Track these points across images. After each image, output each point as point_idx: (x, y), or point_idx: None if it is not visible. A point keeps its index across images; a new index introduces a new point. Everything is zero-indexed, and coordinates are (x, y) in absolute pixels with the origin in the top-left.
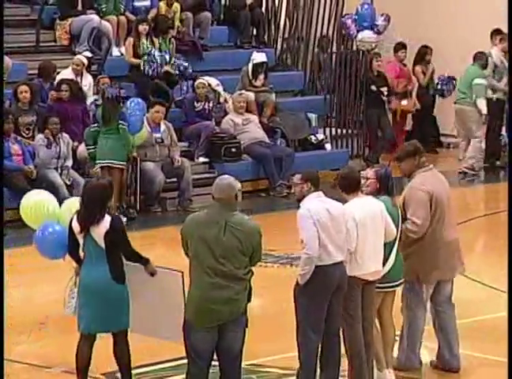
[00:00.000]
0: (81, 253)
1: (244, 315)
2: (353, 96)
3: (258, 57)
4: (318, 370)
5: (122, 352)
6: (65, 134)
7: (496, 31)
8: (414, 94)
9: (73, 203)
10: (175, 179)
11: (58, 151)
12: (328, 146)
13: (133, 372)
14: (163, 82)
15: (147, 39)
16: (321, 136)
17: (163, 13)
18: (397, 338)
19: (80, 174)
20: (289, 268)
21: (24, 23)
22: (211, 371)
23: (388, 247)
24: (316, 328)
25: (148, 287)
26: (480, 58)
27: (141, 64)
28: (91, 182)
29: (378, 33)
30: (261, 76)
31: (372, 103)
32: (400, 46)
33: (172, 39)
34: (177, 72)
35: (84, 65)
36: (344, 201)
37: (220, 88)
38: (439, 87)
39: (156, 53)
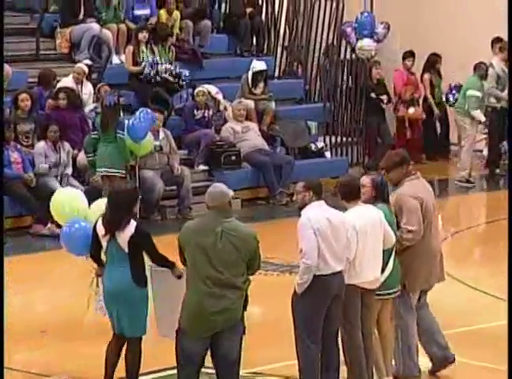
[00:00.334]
0: (103, 256)
1: (241, 322)
2: (353, 104)
3: (258, 65)
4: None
5: (133, 358)
6: (66, 143)
7: (496, 40)
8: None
9: (102, 204)
10: (174, 187)
11: (58, 159)
12: (327, 154)
13: None
14: (162, 90)
15: (147, 47)
16: (320, 144)
17: (163, 21)
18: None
19: (80, 181)
20: (289, 276)
21: (24, 31)
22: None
23: (386, 254)
24: (315, 338)
25: (176, 291)
26: (480, 69)
27: (142, 72)
28: (117, 187)
29: (378, 41)
30: (261, 84)
31: (372, 111)
32: (409, 55)
33: (172, 47)
34: (176, 80)
35: (85, 73)
36: (344, 209)
37: (219, 96)
38: (447, 96)
39: (156, 60)
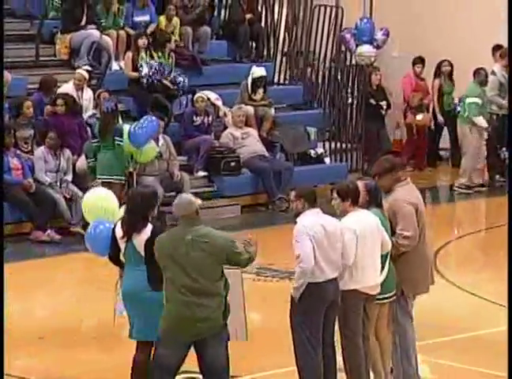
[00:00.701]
0: (122, 258)
1: (224, 329)
2: (352, 110)
3: (257, 71)
4: None
5: (141, 363)
6: (66, 149)
7: (496, 47)
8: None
9: None
10: (174, 193)
11: (58, 165)
12: (327, 160)
13: None
14: (162, 96)
15: (146, 54)
16: (320, 150)
17: (163, 27)
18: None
19: (79, 187)
20: (288, 282)
21: (24, 37)
22: None
23: (382, 259)
24: (315, 344)
25: None
26: (479, 75)
27: (140, 76)
28: (135, 190)
29: (377, 47)
30: (261, 91)
31: (371, 117)
32: (418, 61)
33: (172, 54)
34: (176, 86)
35: (85, 79)
36: (341, 216)
37: (219, 102)
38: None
39: (155, 65)
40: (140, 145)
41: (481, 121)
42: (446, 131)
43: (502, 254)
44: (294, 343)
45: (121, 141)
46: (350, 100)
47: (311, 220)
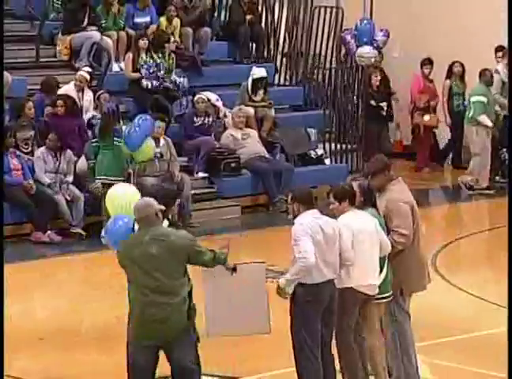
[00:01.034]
0: None
1: (191, 331)
2: (352, 111)
3: (258, 72)
4: None
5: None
6: (68, 151)
7: (499, 48)
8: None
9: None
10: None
11: (57, 166)
12: (327, 161)
13: None
14: (162, 97)
15: (146, 55)
16: (320, 151)
17: (163, 28)
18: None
19: (79, 188)
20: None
21: (24, 38)
22: None
23: (381, 260)
24: (315, 349)
25: (228, 286)
26: (485, 75)
27: (141, 76)
28: (156, 186)
29: (378, 48)
30: (261, 92)
31: (371, 118)
32: (427, 62)
33: (172, 55)
34: (176, 87)
35: (86, 80)
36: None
37: (219, 103)
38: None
39: (156, 67)
40: (135, 148)
41: (486, 120)
42: (446, 132)
43: (502, 255)
44: (294, 347)
45: (120, 142)
46: (350, 101)
47: (310, 220)
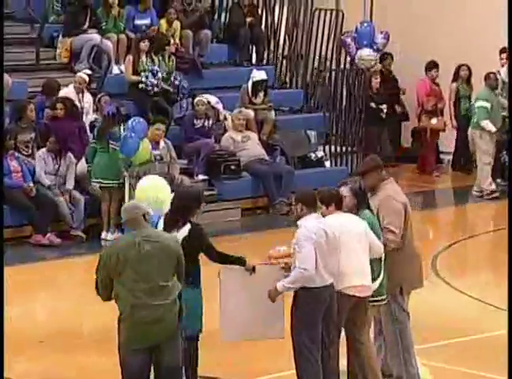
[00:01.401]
0: None
1: (179, 334)
2: (352, 114)
3: (258, 74)
4: None
5: (188, 357)
6: (69, 155)
7: (503, 50)
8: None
9: None
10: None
11: (57, 169)
12: (327, 163)
13: None
14: (162, 100)
15: (147, 57)
16: (320, 154)
17: (163, 30)
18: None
19: (79, 191)
20: None
21: (24, 41)
22: None
23: (378, 263)
24: (314, 351)
25: (246, 288)
26: (490, 79)
27: (141, 80)
28: (181, 189)
29: (378, 51)
30: (261, 94)
31: (371, 121)
32: (432, 65)
33: (172, 57)
34: (176, 90)
35: (85, 82)
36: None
37: (219, 106)
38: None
39: (156, 69)
40: (131, 154)
41: (489, 125)
42: (449, 134)
43: (502, 258)
44: (294, 349)
45: (116, 145)
46: (350, 104)
47: (314, 225)
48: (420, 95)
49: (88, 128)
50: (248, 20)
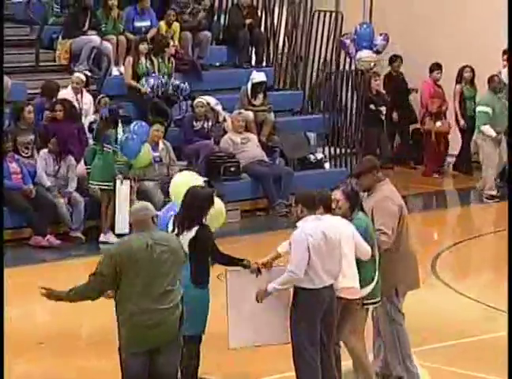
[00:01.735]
0: None
1: (179, 338)
2: (352, 115)
3: (257, 76)
4: None
5: (188, 359)
6: (70, 157)
7: (505, 52)
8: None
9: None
10: None
11: (57, 170)
12: (327, 165)
13: None
14: (162, 101)
15: (146, 59)
16: (320, 155)
17: (163, 32)
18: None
19: (79, 192)
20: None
21: (24, 43)
22: None
23: (372, 265)
24: (314, 353)
25: (252, 291)
26: (493, 82)
27: (140, 87)
28: (193, 190)
29: (377, 52)
30: (260, 96)
31: (371, 122)
32: (436, 67)
33: (172, 59)
34: (175, 92)
35: (83, 82)
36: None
37: (219, 107)
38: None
39: (155, 74)
40: (133, 156)
41: (489, 130)
42: (454, 136)
43: (502, 259)
44: (293, 351)
45: (110, 148)
46: (350, 105)
47: (312, 226)
48: (424, 97)
49: (86, 129)
50: (247, 21)
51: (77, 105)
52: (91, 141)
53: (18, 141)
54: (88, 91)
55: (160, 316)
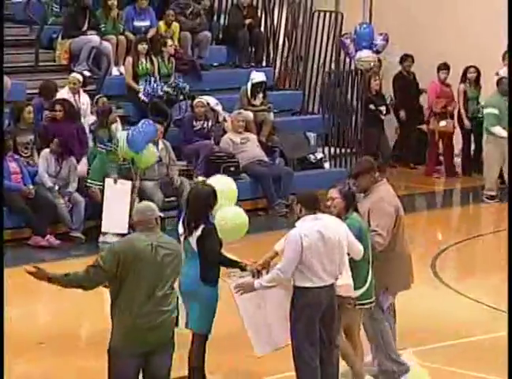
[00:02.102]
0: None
1: (172, 341)
2: (352, 115)
3: (257, 76)
4: None
5: (196, 357)
6: (71, 158)
7: (504, 56)
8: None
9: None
10: (173, 198)
11: (58, 171)
12: (326, 165)
13: None
14: (161, 101)
15: (146, 59)
16: (319, 155)
17: (162, 32)
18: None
19: (79, 192)
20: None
21: (23, 43)
22: None
23: (366, 266)
24: (313, 354)
25: (261, 300)
26: (502, 84)
27: (140, 89)
28: (196, 189)
29: (377, 52)
30: (260, 96)
31: (370, 122)
32: (443, 66)
33: (171, 59)
34: (175, 92)
35: (80, 82)
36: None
37: (218, 107)
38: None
39: (155, 74)
40: (138, 150)
41: (501, 131)
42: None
43: (502, 259)
44: (293, 351)
45: (103, 148)
46: (349, 105)
47: (308, 227)
48: (431, 96)
49: (87, 129)
50: (247, 21)
51: (74, 106)
52: (91, 142)
53: (18, 141)
54: (85, 91)
55: (160, 318)
